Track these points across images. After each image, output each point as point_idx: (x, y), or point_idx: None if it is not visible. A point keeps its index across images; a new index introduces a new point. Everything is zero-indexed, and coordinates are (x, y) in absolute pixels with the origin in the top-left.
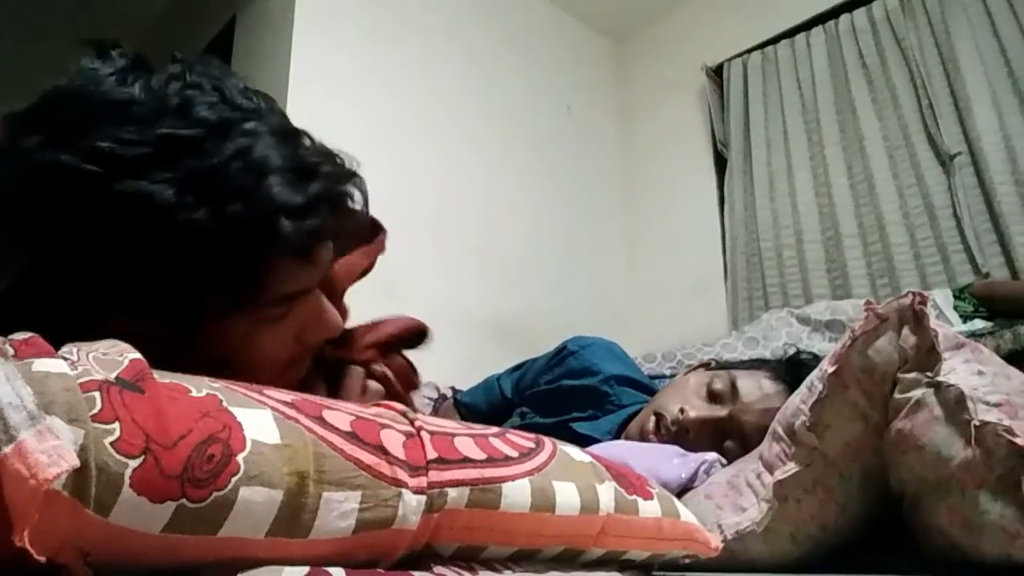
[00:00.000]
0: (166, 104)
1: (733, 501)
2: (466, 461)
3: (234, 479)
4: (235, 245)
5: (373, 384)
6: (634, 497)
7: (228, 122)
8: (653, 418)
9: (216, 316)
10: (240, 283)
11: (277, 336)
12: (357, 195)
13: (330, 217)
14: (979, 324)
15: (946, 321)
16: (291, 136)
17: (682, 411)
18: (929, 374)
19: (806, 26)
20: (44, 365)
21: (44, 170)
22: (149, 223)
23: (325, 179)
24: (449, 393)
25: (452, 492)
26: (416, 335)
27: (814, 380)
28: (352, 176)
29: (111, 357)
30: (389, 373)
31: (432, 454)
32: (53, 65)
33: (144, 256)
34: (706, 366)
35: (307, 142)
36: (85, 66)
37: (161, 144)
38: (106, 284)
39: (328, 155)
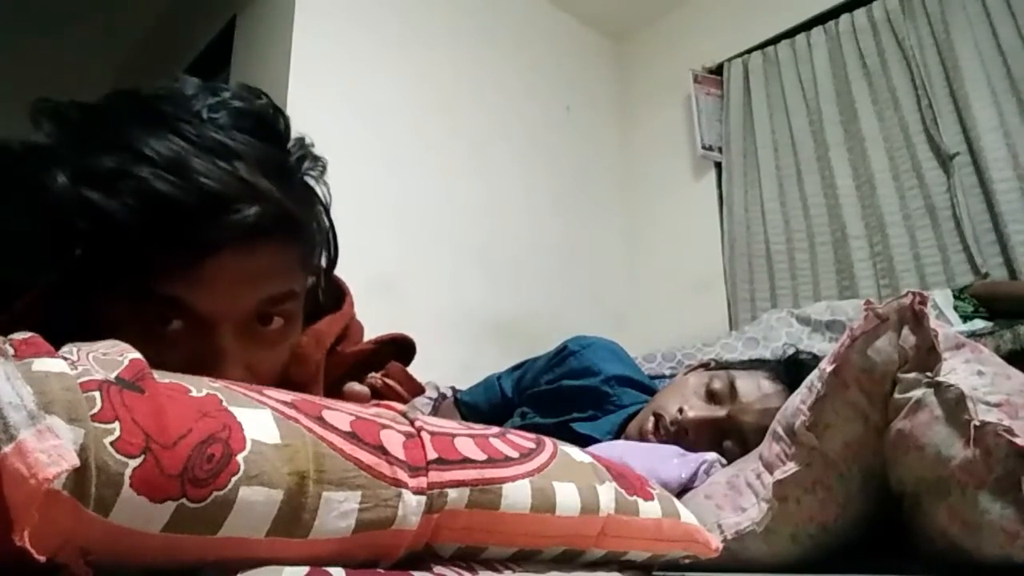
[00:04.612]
0: (149, 91)
1: (733, 501)
2: (466, 462)
3: (234, 479)
4: (62, 219)
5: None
6: (634, 498)
7: (165, 115)
8: (652, 418)
9: (97, 287)
10: (110, 259)
11: (164, 359)
12: (316, 251)
13: (227, 242)
14: (979, 324)
15: (946, 321)
16: (222, 156)
17: (681, 411)
18: (929, 374)
19: (806, 26)
20: (44, 365)
21: None
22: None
23: (210, 199)
24: (449, 393)
25: (452, 493)
26: (402, 346)
27: (814, 380)
28: (297, 226)
29: (111, 357)
30: (391, 382)
31: (432, 454)
32: (55, 63)
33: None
34: (705, 366)
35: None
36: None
37: (89, 114)
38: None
39: (239, 194)
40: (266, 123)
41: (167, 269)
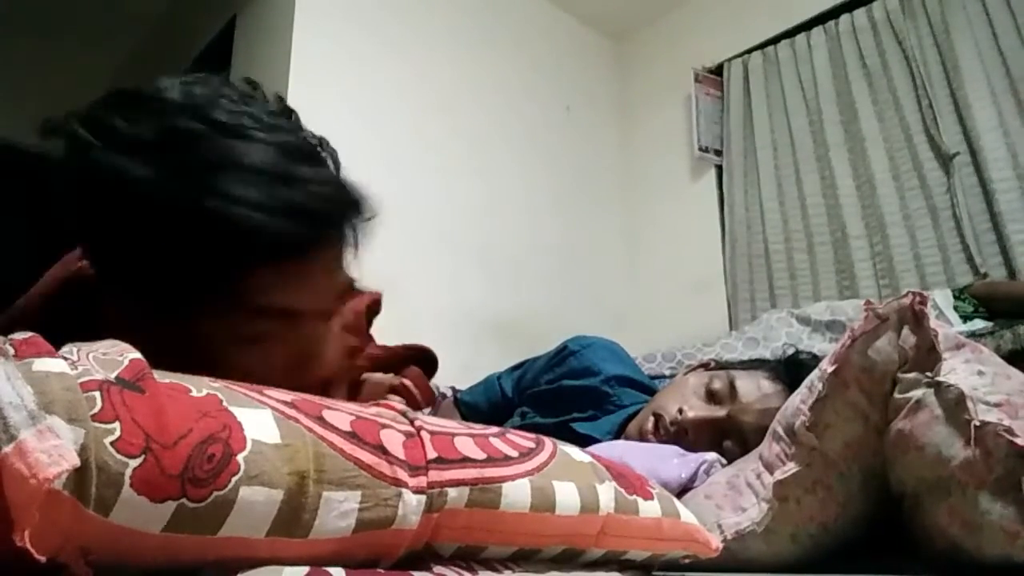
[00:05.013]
0: (189, 100)
1: (733, 501)
2: (466, 461)
3: (234, 479)
4: (209, 242)
5: (393, 398)
6: (634, 497)
7: (237, 126)
8: (652, 418)
9: (196, 315)
10: (213, 282)
11: (266, 360)
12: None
13: (325, 243)
14: (979, 324)
15: (946, 321)
16: (307, 158)
17: (681, 411)
18: (929, 374)
19: (806, 26)
20: (44, 365)
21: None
22: (123, 201)
23: (327, 203)
24: (449, 392)
25: (452, 492)
26: (424, 357)
27: (814, 380)
28: (353, 216)
29: (111, 357)
30: (407, 383)
31: (432, 454)
32: (55, 63)
33: (122, 235)
34: (705, 366)
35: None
36: None
37: (164, 133)
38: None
39: (340, 194)
40: (300, 124)
41: (275, 275)
